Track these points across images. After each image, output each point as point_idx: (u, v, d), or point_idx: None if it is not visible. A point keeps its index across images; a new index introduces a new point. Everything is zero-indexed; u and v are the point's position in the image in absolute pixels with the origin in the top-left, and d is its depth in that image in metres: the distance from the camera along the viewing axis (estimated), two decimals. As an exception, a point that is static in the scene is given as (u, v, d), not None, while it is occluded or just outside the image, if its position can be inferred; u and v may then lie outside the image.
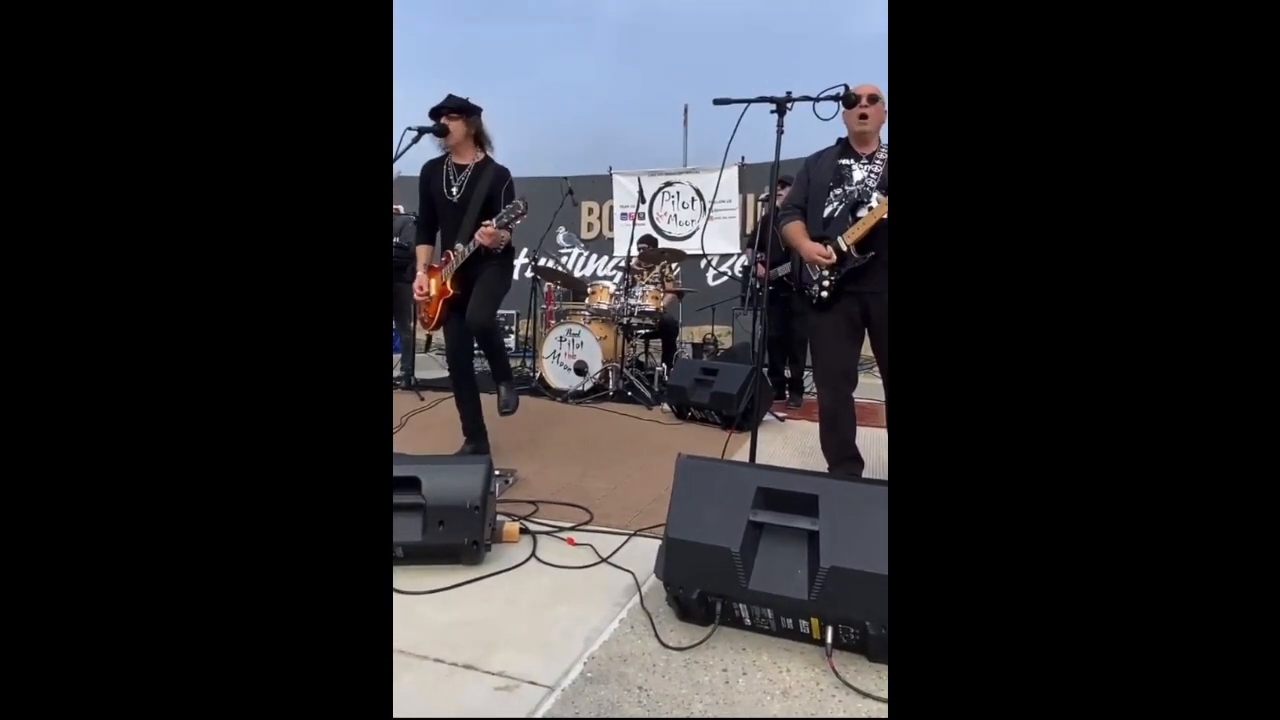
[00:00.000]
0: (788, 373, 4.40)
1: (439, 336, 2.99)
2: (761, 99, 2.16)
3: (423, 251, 2.70)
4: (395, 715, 1.16)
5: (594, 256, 7.96)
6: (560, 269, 5.85)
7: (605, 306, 4.63)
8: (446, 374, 2.91)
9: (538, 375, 4.66)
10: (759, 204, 6.45)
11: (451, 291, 2.60)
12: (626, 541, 1.96)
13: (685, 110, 8.13)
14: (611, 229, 7.94)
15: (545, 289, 5.57)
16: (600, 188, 7.92)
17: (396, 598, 1.58)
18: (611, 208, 7.97)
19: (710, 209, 7.39)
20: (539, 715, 1.19)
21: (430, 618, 1.51)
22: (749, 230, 7.26)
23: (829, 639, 1.34)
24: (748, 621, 1.45)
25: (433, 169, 2.67)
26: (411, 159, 2.69)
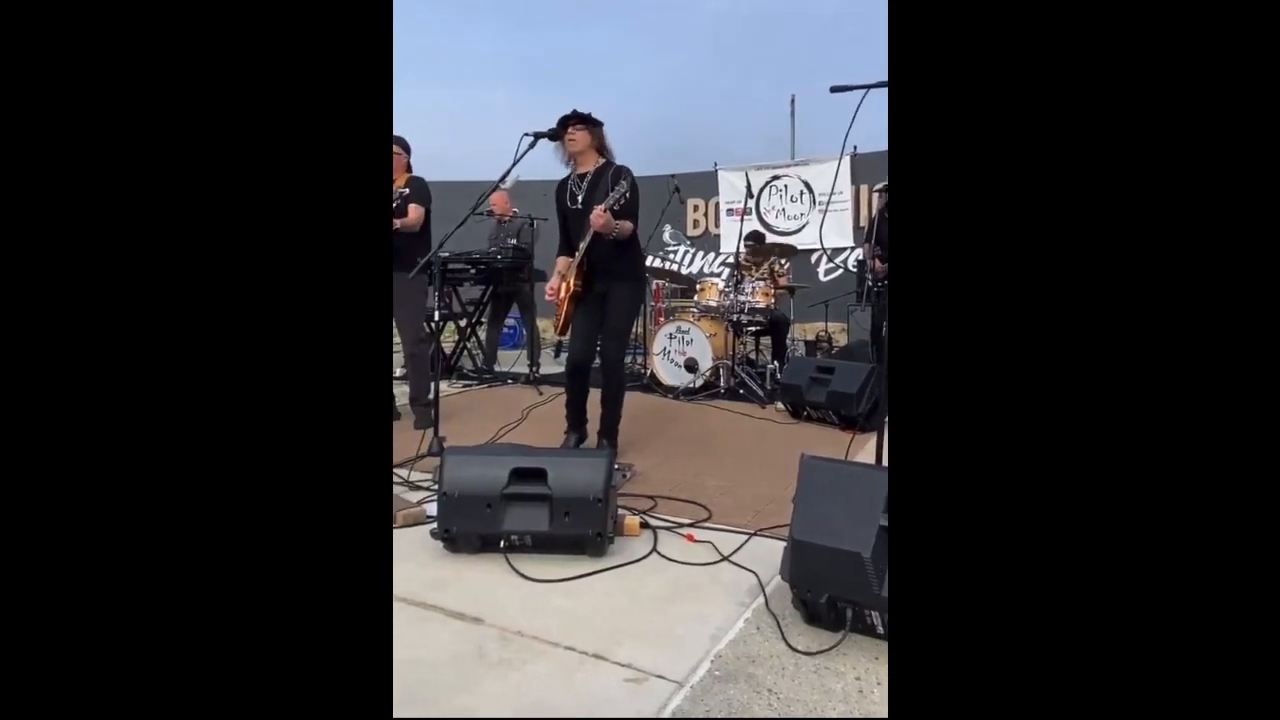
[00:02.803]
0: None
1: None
2: (882, 84, 2.06)
3: (559, 262, 2.83)
4: (535, 698, 1.21)
5: (700, 254, 7.93)
6: (669, 266, 5.88)
7: (714, 303, 4.60)
8: (562, 370, 3.01)
9: (649, 372, 4.71)
10: (874, 195, 6.18)
11: (574, 288, 2.71)
12: (747, 541, 1.94)
13: (792, 101, 7.93)
14: (718, 225, 7.88)
15: (654, 286, 5.61)
16: (705, 184, 7.88)
17: (526, 585, 1.65)
18: (717, 204, 7.91)
19: (827, 203, 7.16)
20: (669, 710, 1.20)
21: (559, 606, 1.56)
22: (862, 224, 6.97)
23: (972, 653, 1.26)
24: (880, 630, 1.39)
25: (561, 185, 2.80)
26: (538, 166, 2.79)
